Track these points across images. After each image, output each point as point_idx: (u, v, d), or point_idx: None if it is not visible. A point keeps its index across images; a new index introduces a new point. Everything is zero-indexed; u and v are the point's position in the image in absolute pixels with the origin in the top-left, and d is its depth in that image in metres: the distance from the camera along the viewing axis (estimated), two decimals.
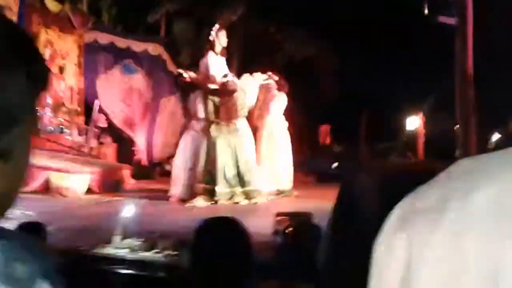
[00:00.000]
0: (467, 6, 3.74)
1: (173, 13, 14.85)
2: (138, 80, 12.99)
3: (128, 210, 5.24)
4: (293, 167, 12.97)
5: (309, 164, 13.05)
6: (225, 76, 8.07)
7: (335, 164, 12.08)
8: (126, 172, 9.99)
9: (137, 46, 12.89)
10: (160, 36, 14.42)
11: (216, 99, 8.05)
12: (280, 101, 9.16)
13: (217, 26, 8.64)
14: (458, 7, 3.69)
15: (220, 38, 8.39)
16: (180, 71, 8.89)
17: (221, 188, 7.84)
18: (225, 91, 7.96)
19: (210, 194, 7.79)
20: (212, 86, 8.09)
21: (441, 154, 9.70)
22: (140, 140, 12.74)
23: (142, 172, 11.82)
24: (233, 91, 7.97)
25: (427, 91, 11.70)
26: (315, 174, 12.77)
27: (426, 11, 3.89)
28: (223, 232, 1.66)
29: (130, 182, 9.91)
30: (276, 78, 8.93)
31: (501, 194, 0.36)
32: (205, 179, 7.88)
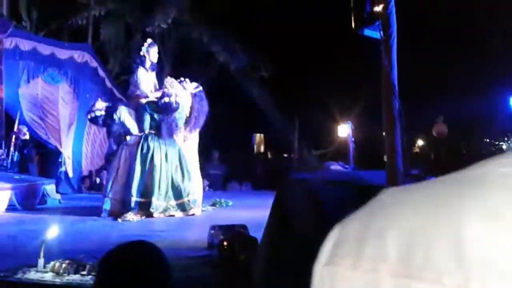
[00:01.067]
0: (391, 21, 3.88)
1: (101, 18, 14.35)
2: (64, 88, 12.39)
3: (53, 229, 4.94)
4: (228, 176, 13.06)
5: (244, 173, 13.10)
6: (167, 95, 7.98)
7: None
8: (51, 186, 9.45)
9: (62, 53, 12.28)
10: (87, 42, 13.86)
11: (156, 115, 8.01)
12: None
13: (149, 40, 8.62)
14: (382, 21, 3.82)
15: (151, 53, 8.38)
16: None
17: (156, 201, 7.69)
18: (167, 109, 7.92)
19: (145, 207, 7.61)
20: (145, 101, 8.06)
21: (370, 159, 10.08)
22: (66, 152, 12.12)
23: (69, 186, 11.27)
24: (175, 109, 7.95)
25: (357, 100, 12.14)
26: (250, 182, 12.84)
27: (352, 25, 4.00)
28: (131, 260, 1.52)
29: (55, 197, 9.39)
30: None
31: (412, 234, 0.37)
32: (139, 192, 7.69)
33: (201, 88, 8.66)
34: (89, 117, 8.33)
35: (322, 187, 4.38)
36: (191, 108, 8.37)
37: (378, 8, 3.85)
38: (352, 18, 4.04)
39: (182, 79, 8.53)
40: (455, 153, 14.09)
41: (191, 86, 8.55)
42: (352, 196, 4.13)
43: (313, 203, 4.37)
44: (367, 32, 4.07)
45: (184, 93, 8.30)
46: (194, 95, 8.47)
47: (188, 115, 8.34)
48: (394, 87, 3.92)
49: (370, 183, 4.27)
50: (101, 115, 8.10)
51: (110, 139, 8.26)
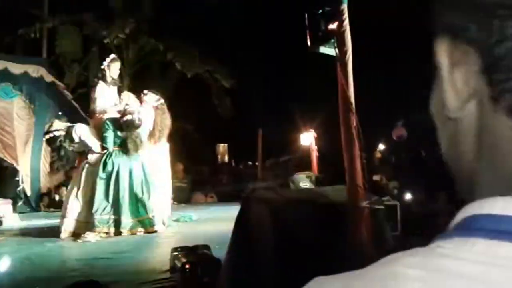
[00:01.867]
0: (346, 38, 3.92)
1: (55, 29, 13.96)
2: (18, 104, 11.96)
3: (6, 257, 4.73)
4: (193, 188, 12.92)
5: (208, 184, 13.00)
6: (129, 112, 7.85)
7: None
8: (7, 206, 9.09)
9: (16, 68, 11.86)
10: (42, 57, 13.45)
11: (119, 132, 7.86)
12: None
13: (111, 56, 8.49)
14: (337, 39, 3.85)
15: (112, 69, 8.25)
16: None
17: (119, 219, 7.53)
18: (130, 127, 7.79)
19: (108, 226, 7.43)
20: (106, 118, 7.91)
21: (333, 168, 10.18)
22: (24, 170, 11.69)
23: (27, 204, 10.89)
24: (139, 126, 7.83)
25: (319, 108, 12.26)
26: (216, 194, 12.74)
27: (308, 42, 4.01)
28: None
29: (11, 218, 9.03)
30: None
31: None
32: (102, 210, 7.50)
33: (162, 100, 8.56)
34: (46, 137, 8.06)
35: (283, 206, 4.36)
36: (154, 121, 8.27)
37: (333, 26, 3.88)
38: (308, 36, 4.05)
39: (145, 92, 8.41)
40: (415, 157, 14.44)
41: (153, 99, 8.44)
42: (313, 215, 4.10)
43: (274, 223, 4.33)
44: (323, 50, 4.09)
45: (145, 106, 8.19)
46: (156, 108, 8.37)
47: (151, 128, 8.23)
48: (351, 104, 3.95)
49: (331, 200, 4.28)
50: (59, 135, 7.87)
51: (62, 162, 8.00)
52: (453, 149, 0.43)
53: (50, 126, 8.18)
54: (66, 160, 7.92)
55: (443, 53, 0.40)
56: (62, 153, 7.85)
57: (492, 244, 0.34)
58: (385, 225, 4.30)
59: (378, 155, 15.45)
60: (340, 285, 0.36)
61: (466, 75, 0.39)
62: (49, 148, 11.58)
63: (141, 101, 8.24)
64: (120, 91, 8.58)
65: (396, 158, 14.52)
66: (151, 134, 8.25)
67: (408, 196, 8.05)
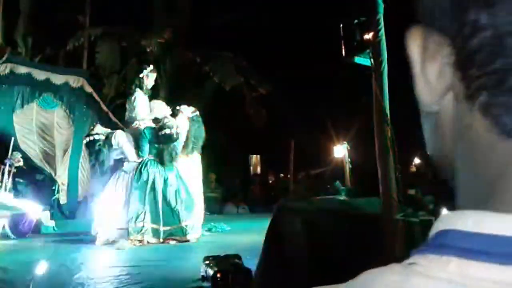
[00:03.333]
0: (381, 48, 3.88)
1: (96, 40, 14.39)
2: (59, 114, 12.35)
3: (44, 261, 4.85)
4: (225, 199, 12.99)
5: (240, 195, 13.03)
6: (167, 127, 8.02)
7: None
8: (45, 214, 9.35)
9: (57, 78, 12.26)
10: (83, 67, 13.88)
11: (156, 143, 8.03)
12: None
13: (151, 66, 8.70)
14: (373, 49, 3.82)
15: (149, 79, 8.46)
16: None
17: (153, 227, 7.64)
18: (168, 140, 7.95)
19: (141, 234, 7.53)
20: (143, 127, 8.08)
21: (367, 180, 10.02)
22: (61, 179, 12.02)
23: (63, 213, 11.17)
24: (175, 140, 7.99)
25: (353, 120, 12.15)
26: (248, 205, 12.75)
27: (343, 52, 3.99)
28: None
29: (49, 225, 9.28)
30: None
31: None
32: (136, 218, 7.62)
33: (197, 112, 8.68)
34: (87, 140, 8.27)
35: (316, 216, 4.32)
36: (188, 131, 8.38)
37: (368, 36, 3.85)
38: (342, 46, 4.04)
39: (178, 107, 8.56)
40: None
41: (188, 110, 8.57)
42: (346, 226, 4.04)
43: (307, 233, 4.29)
44: (358, 60, 4.06)
45: (181, 117, 8.32)
46: (191, 120, 8.48)
47: (185, 139, 8.34)
48: (386, 115, 3.90)
49: (365, 212, 4.21)
50: (99, 139, 8.07)
51: (101, 167, 8.17)
52: (434, 145, 0.41)
53: (91, 130, 8.40)
54: (104, 166, 8.09)
55: (415, 46, 0.38)
56: (101, 158, 8.02)
57: (463, 264, 0.33)
58: (420, 239, 4.19)
59: (414, 169, 15.14)
60: None
61: (440, 69, 0.36)
62: (87, 158, 11.95)
63: (174, 114, 8.39)
64: (157, 94, 8.80)
65: (432, 173, 14.19)
66: (185, 145, 8.36)
67: (444, 211, 7.83)
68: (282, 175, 14.94)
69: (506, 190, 0.34)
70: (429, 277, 0.33)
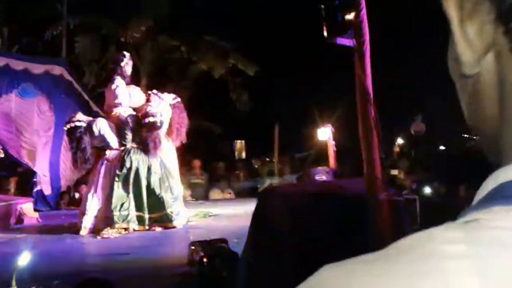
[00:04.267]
0: (363, 29, 3.86)
1: (75, 29, 14.11)
2: (40, 102, 12.13)
3: (27, 252, 4.79)
4: (210, 184, 12.99)
5: (225, 181, 13.03)
6: (151, 114, 7.93)
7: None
8: (28, 205, 9.23)
9: (36, 68, 12.01)
10: (62, 56, 13.62)
11: (139, 131, 7.94)
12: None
13: (127, 54, 8.58)
14: (355, 29, 3.80)
15: (128, 67, 8.36)
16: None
17: (138, 215, 7.62)
18: (151, 128, 7.87)
19: (127, 221, 7.51)
20: (126, 115, 7.98)
21: (351, 162, 10.11)
22: (42, 169, 11.85)
23: (46, 203, 11.05)
24: (159, 127, 7.91)
25: (337, 103, 12.19)
26: (233, 190, 12.76)
27: (325, 34, 3.97)
28: None
29: (33, 216, 9.17)
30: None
31: None
32: (121, 207, 7.58)
33: (179, 99, 8.61)
34: (68, 126, 8.13)
35: (302, 200, 4.33)
36: (171, 119, 8.32)
37: (350, 17, 3.84)
38: (324, 27, 4.01)
39: (154, 91, 8.46)
40: (434, 150, 14.27)
41: (169, 97, 8.50)
42: (331, 208, 4.07)
43: (292, 216, 4.31)
44: (340, 41, 4.05)
45: (163, 105, 8.25)
46: (173, 106, 8.42)
47: (168, 126, 8.28)
48: (369, 95, 3.90)
49: (350, 193, 4.24)
50: (80, 126, 7.95)
51: (83, 155, 8.04)
52: (475, 110, 0.40)
53: (73, 117, 8.28)
54: (86, 153, 7.98)
55: (452, 5, 0.37)
56: (83, 145, 7.91)
57: None
58: (404, 217, 4.24)
59: (397, 149, 15.30)
60: (356, 273, 0.32)
61: (479, 26, 0.35)
62: (68, 147, 11.79)
63: (156, 101, 8.30)
64: (139, 81, 8.70)
65: (415, 152, 14.36)
66: (169, 132, 8.31)
67: (427, 190, 7.95)
68: (267, 159, 14.97)
69: None
70: (500, 228, 0.30)
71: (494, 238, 0.30)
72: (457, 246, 0.30)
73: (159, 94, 8.41)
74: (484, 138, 0.40)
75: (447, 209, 6.13)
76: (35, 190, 11.37)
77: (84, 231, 7.49)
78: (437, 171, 9.37)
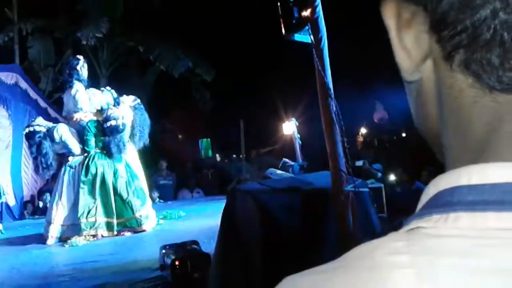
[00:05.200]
0: (320, 25, 3.91)
1: (27, 34, 13.67)
2: None
3: None
4: (178, 185, 12.89)
5: (193, 180, 12.96)
6: (113, 118, 7.76)
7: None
8: None
9: None
10: (15, 62, 13.18)
11: (101, 136, 7.77)
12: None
13: (81, 57, 8.38)
14: (311, 26, 3.84)
15: (84, 70, 8.17)
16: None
17: (106, 220, 7.49)
18: (114, 132, 7.71)
19: (94, 228, 7.38)
20: (87, 120, 7.82)
21: (316, 155, 10.22)
22: (4, 179, 11.47)
23: (10, 214, 10.72)
24: (122, 130, 7.76)
25: (300, 96, 12.29)
26: (201, 189, 12.71)
27: (283, 30, 4.00)
28: None
29: None
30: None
31: None
32: (87, 213, 7.44)
33: (139, 100, 8.49)
34: (26, 131, 7.86)
35: (269, 196, 4.36)
36: (133, 121, 8.20)
37: (306, 13, 3.87)
38: (282, 24, 4.04)
39: (117, 96, 8.32)
40: (397, 138, 14.59)
41: (129, 100, 8.38)
42: (298, 202, 4.11)
43: (261, 214, 4.33)
44: (298, 37, 4.08)
45: (124, 107, 8.12)
46: (134, 108, 8.30)
47: (131, 129, 8.16)
48: (329, 89, 3.96)
49: (315, 187, 4.30)
50: (40, 131, 7.71)
51: (44, 162, 7.81)
52: (419, 112, 0.42)
53: (32, 121, 8.05)
54: (48, 159, 7.75)
55: (390, 14, 0.38)
56: (43, 150, 7.68)
57: (474, 217, 0.32)
58: (371, 207, 4.33)
59: (360, 139, 15.57)
60: (317, 283, 0.34)
61: (416, 35, 0.37)
62: (29, 152, 11.43)
63: (115, 104, 8.17)
64: (98, 83, 8.52)
65: (378, 141, 14.65)
66: (132, 135, 8.19)
67: (392, 177, 8.13)
68: (234, 156, 14.97)
69: (499, 142, 0.34)
70: (440, 236, 0.32)
71: (433, 246, 0.31)
72: (400, 256, 0.32)
73: (120, 97, 8.28)
74: (429, 139, 0.42)
75: (411, 196, 6.31)
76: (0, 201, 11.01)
77: (51, 241, 7.33)
78: (401, 158, 9.60)
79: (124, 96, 8.37)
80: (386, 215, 5.32)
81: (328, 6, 4.01)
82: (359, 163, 8.43)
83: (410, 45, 0.38)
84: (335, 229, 3.74)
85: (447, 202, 0.33)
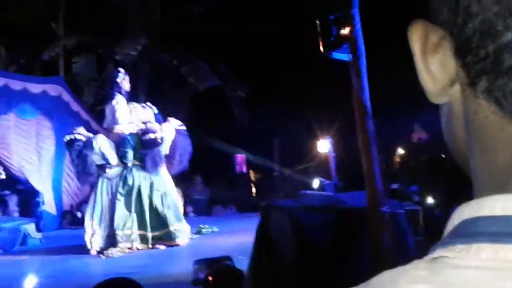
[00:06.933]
0: (359, 43, 3.90)
1: (72, 49, 14.23)
2: (39, 123, 12.17)
3: (33, 275, 4.80)
4: (212, 200, 12.98)
5: (228, 195, 13.01)
6: (151, 131, 7.93)
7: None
8: (31, 226, 9.21)
9: (34, 88, 12.08)
10: (59, 75, 13.71)
11: (140, 148, 7.92)
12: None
13: (122, 70, 8.61)
14: (350, 44, 3.84)
15: (125, 82, 8.37)
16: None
17: (142, 233, 7.59)
18: (151, 145, 7.86)
19: (130, 240, 7.48)
20: (128, 133, 7.99)
21: (353, 173, 10.09)
22: (45, 189, 11.85)
23: (50, 223, 11.03)
24: (160, 144, 7.90)
25: (336, 115, 12.21)
26: (235, 205, 12.75)
27: (321, 48, 4.01)
28: None
29: (36, 237, 9.14)
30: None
31: None
32: (124, 225, 7.55)
33: (185, 127, 8.60)
34: (67, 138, 8.09)
35: (303, 213, 4.32)
36: (175, 145, 8.27)
37: (345, 31, 3.88)
38: (320, 42, 4.05)
39: (155, 110, 8.50)
40: (436, 159, 14.22)
41: (176, 122, 8.49)
42: (332, 221, 4.06)
43: (295, 231, 4.29)
44: (336, 55, 4.08)
45: (168, 125, 8.26)
46: (178, 132, 8.40)
47: (172, 151, 8.25)
48: (367, 108, 3.93)
49: (351, 206, 4.24)
50: (80, 140, 7.91)
51: (85, 170, 8.00)
52: (449, 134, 0.41)
53: (74, 130, 8.27)
54: (88, 165, 7.91)
55: (416, 38, 0.38)
56: (84, 157, 7.86)
57: (497, 248, 0.31)
58: (406, 229, 4.23)
59: (398, 159, 15.26)
60: None
61: (442, 60, 0.37)
62: (70, 159, 11.77)
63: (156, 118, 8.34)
64: (136, 97, 8.69)
65: (416, 162, 14.32)
66: (171, 157, 8.28)
67: (430, 200, 7.93)
68: (268, 172, 14.96)
69: None
70: (462, 267, 0.32)
71: (455, 278, 0.31)
72: (422, 286, 0.32)
73: (169, 118, 8.45)
74: (458, 160, 0.42)
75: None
76: (39, 210, 11.36)
77: (93, 251, 7.45)
78: (439, 180, 9.35)
79: (173, 118, 8.52)
80: (423, 239, 5.18)
81: (368, 25, 3.99)
82: (395, 186, 8.26)
83: (435, 70, 0.38)
84: (369, 249, 3.66)
85: (471, 232, 0.33)
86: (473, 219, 0.33)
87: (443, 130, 0.42)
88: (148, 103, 8.77)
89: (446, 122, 0.41)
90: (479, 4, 0.33)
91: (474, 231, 0.33)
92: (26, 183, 11.74)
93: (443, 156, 14.47)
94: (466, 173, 0.41)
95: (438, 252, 0.34)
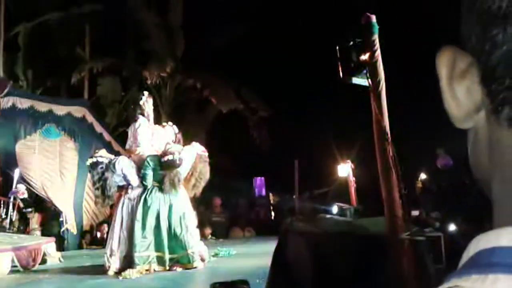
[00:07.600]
0: (379, 68, 3.91)
1: (97, 73, 14.59)
2: (62, 143, 12.43)
3: None
4: (230, 222, 12.93)
5: (245, 219, 12.96)
6: (170, 153, 8.01)
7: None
8: (51, 245, 9.31)
9: (59, 109, 12.40)
10: (84, 97, 14.04)
11: (159, 170, 7.99)
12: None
13: (146, 93, 8.76)
14: (370, 69, 3.85)
15: (149, 104, 8.49)
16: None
17: (159, 255, 7.59)
18: (170, 166, 7.93)
19: (148, 262, 7.48)
20: (147, 155, 8.07)
21: (371, 199, 9.96)
22: (66, 209, 12.00)
23: (70, 243, 11.13)
24: (179, 166, 7.96)
25: (356, 139, 12.15)
26: (253, 228, 12.67)
27: (340, 74, 4.03)
28: None
29: (56, 256, 9.22)
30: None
31: None
32: (142, 247, 7.57)
33: (207, 153, 8.67)
34: (90, 161, 8.21)
35: (321, 239, 4.27)
36: (194, 169, 8.32)
37: (364, 57, 3.89)
38: (339, 67, 4.07)
39: (176, 130, 8.59)
40: (459, 185, 13.94)
41: (199, 148, 8.55)
42: (351, 247, 3.99)
43: (312, 256, 4.24)
44: (356, 81, 4.09)
45: (190, 149, 8.32)
46: (200, 156, 8.45)
47: (190, 174, 8.29)
48: (387, 133, 3.90)
49: (370, 232, 4.17)
50: (102, 162, 8.03)
51: (106, 192, 8.09)
52: (473, 160, 0.42)
53: (96, 152, 8.40)
54: (108, 189, 8.00)
55: (444, 63, 0.39)
56: (105, 180, 7.95)
57: None
58: (427, 257, 4.14)
59: (420, 185, 15.01)
60: None
61: (468, 87, 0.37)
62: (92, 187, 11.94)
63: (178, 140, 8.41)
64: (159, 119, 8.79)
65: (439, 188, 14.07)
66: (188, 180, 8.32)
67: (452, 227, 7.74)
68: (287, 196, 14.87)
69: None
70: None
71: None
72: None
73: (193, 143, 8.53)
74: (483, 187, 0.42)
75: None
76: (62, 229, 11.48)
77: (110, 272, 7.47)
78: (462, 207, 9.15)
79: (197, 143, 8.60)
80: (445, 267, 5.05)
81: (388, 50, 4.00)
82: (415, 212, 8.11)
83: (461, 95, 0.38)
84: (388, 277, 3.58)
85: (487, 262, 0.33)
86: (490, 250, 0.34)
87: (469, 155, 0.43)
88: (170, 123, 8.87)
89: (472, 147, 0.41)
90: (505, 34, 0.34)
91: (490, 262, 0.33)
92: (48, 202, 11.91)
93: (466, 182, 14.19)
94: (490, 201, 0.41)
95: (453, 282, 0.34)
